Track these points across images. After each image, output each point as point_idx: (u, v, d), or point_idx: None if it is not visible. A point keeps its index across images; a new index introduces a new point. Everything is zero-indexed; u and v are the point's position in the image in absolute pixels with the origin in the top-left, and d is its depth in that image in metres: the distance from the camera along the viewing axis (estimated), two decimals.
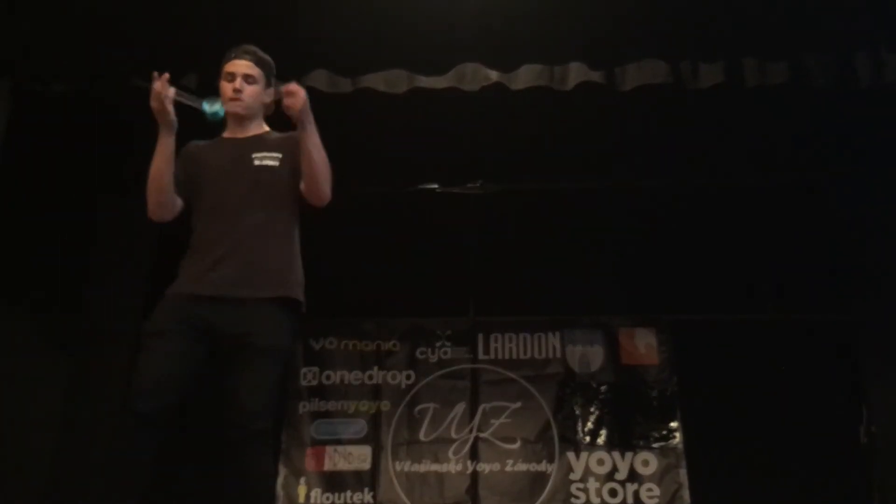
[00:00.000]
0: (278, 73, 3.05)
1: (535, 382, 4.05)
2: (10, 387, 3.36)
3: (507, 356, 4.12)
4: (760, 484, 3.64)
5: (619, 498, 3.80)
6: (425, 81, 3.05)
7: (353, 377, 4.10)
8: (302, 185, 2.01)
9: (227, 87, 2.04)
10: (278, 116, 2.12)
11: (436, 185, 3.97)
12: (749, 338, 3.95)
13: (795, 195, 3.94)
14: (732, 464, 3.71)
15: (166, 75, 1.95)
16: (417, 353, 4.15)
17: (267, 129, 2.14)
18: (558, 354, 4.10)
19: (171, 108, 1.93)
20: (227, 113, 2.06)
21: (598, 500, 3.80)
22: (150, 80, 3.08)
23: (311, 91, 3.01)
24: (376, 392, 4.07)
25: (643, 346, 4.10)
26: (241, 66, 2.03)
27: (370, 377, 4.11)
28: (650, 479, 3.83)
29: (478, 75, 3.03)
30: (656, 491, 3.80)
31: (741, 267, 3.97)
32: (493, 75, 3.03)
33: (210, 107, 1.98)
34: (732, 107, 3.33)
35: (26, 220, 3.47)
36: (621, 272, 4.01)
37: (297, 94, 1.89)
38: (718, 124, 3.52)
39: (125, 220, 4.07)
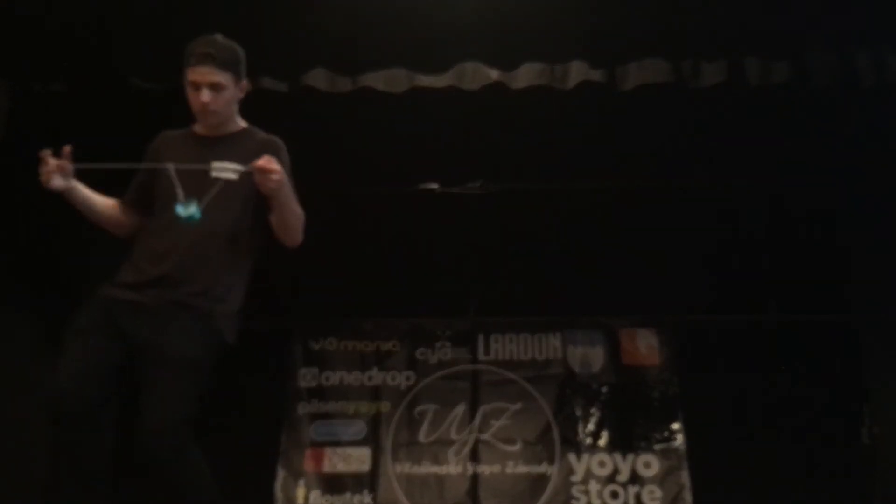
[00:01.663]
0: (279, 73, 3.06)
1: (535, 383, 4.04)
2: (9, 386, 3.34)
3: (507, 357, 4.11)
4: (762, 485, 3.63)
5: (621, 500, 3.78)
6: (425, 80, 3.04)
7: (352, 378, 4.09)
8: (272, 221, 1.91)
9: (194, 98, 1.90)
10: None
11: (436, 185, 3.96)
12: (750, 338, 3.94)
13: (798, 195, 3.93)
14: (734, 465, 3.69)
15: (47, 154, 1.84)
16: (417, 354, 4.13)
17: (242, 126, 2.01)
18: (559, 355, 4.09)
19: (57, 184, 1.86)
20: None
21: (600, 502, 3.78)
22: (150, 80, 3.08)
23: (310, 90, 3.04)
24: (376, 393, 4.06)
25: (644, 346, 4.09)
26: (204, 74, 1.87)
27: (370, 378, 4.09)
28: (652, 481, 3.81)
29: (478, 74, 3.02)
30: (658, 493, 3.78)
31: (742, 267, 3.96)
32: (494, 74, 3.02)
33: (185, 210, 1.76)
34: (734, 106, 3.32)
35: (25, 220, 3.46)
36: (622, 272, 4.00)
37: (270, 175, 1.75)
38: (720, 123, 3.50)
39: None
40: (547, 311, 4.15)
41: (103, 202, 2.01)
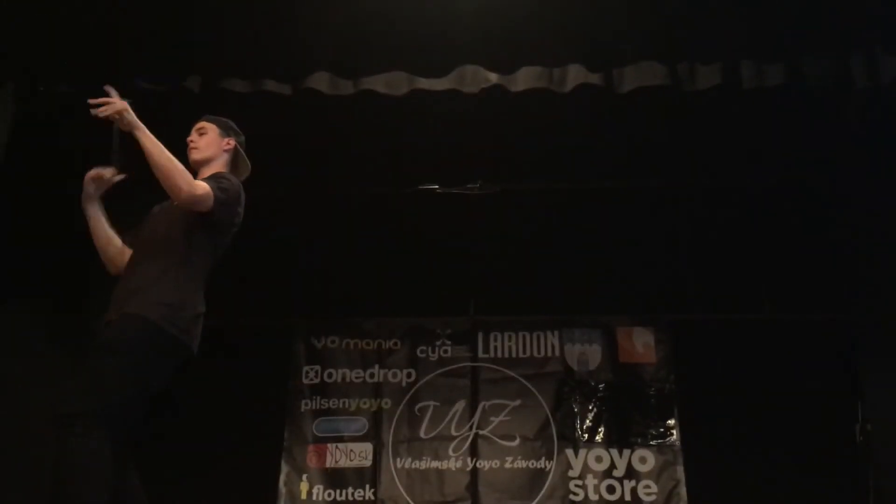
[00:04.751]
0: (282, 76, 3.10)
1: (534, 381, 4.08)
2: (10, 387, 3.38)
3: (506, 355, 4.15)
4: (757, 481, 3.67)
5: (617, 495, 3.84)
6: (426, 83, 3.07)
7: (354, 375, 4.14)
8: None
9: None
10: None
11: (436, 185, 3.99)
12: (746, 337, 3.98)
13: (793, 195, 3.96)
14: (729, 461, 3.74)
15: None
16: (418, 352, 4.18)
17: (214, 171, 2.28)
18: (557, 353, 4.14)
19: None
20: None
21: (597, 496, 3.83)
22: (155, 82, 3.13)
23: (312, 93, 3.08)
24: (377, 390, 4.10)
25: (641, 344, 4.13)
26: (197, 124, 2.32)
27: (371, 375, 4.14)
28: (648, 476, 3.86)
29: (477, 77, 3.05)
30: (654, 488, 3.84)
31: (739, 266, 3.99)
32: (493, 77, 3.05)
33: None
34: (730, 108, 3.35)
35: (28, 220, 3.49)
36: (620, 271, 4.04)
37: (112, 104, 2.04)
38: (716, 125, 3.53)
39: (127, 221, 4.10)
40: (545, 310, 4.19)
41: (108, 233, 2.26)
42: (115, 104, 2.02)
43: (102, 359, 1.93)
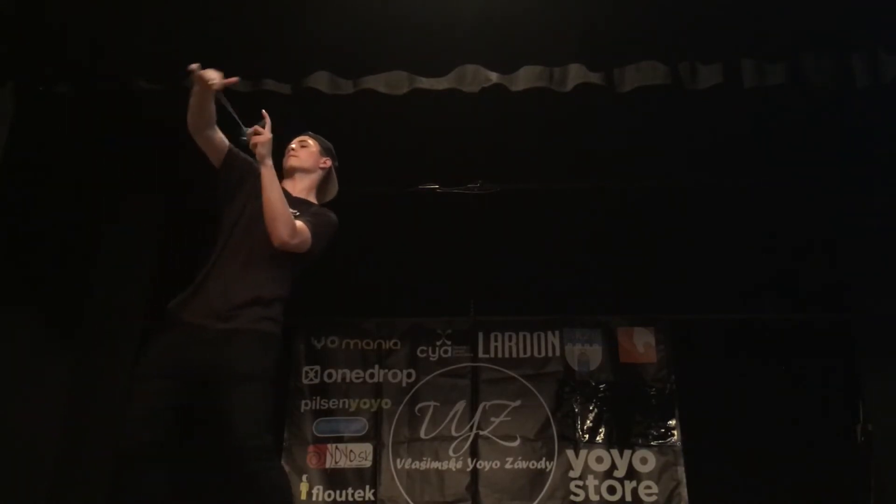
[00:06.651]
0: (282, 75, 3.11)
1: (534, 381, 4.08)
2: (11, 387, 3.37)
3: (506, 355, 4.15)
4: (758, 482, 3.67)
5: (618, 495, 3.83)
6: (426, 83, 3.07)
7: (354, 375, 4.13)
8: None
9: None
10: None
11: (436, 185, 3.99)
12: (746, 336, 3.98)
13: (794, 195, 3.96)
14: (730, 462, 3.74)
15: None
16: (418, 352, 4.18)
17: (308, 191, 2.38)
18: (557, 353, 4.14)
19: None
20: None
21: (597, 497, 3.83)
22: (154, 82, 3.12)
23: (312, 92, 3.08)
24: (377, 390, 4.10)
25: (642, 344, 4.13)
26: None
27: (371, 375, 4.14)
28: (648, 476, 3.86)
29: (478, 77, 3.05)
30: (655, 489, 3.83)
31: (739, 266, 3.99)
32: (493, 77, 3.04)
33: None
34: (731, 107, 3.35)
35: (29, 220, 3.49)
36: (620, 271, 4.04)
37: (260, 136, 2.15)
38: (717, 125, 3.54)
39: (128, 221, 4.10)
40: (545, 310, 4.19)
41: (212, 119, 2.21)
42: (263, 135, 2.13)
43: (257, 388, 1.99)
